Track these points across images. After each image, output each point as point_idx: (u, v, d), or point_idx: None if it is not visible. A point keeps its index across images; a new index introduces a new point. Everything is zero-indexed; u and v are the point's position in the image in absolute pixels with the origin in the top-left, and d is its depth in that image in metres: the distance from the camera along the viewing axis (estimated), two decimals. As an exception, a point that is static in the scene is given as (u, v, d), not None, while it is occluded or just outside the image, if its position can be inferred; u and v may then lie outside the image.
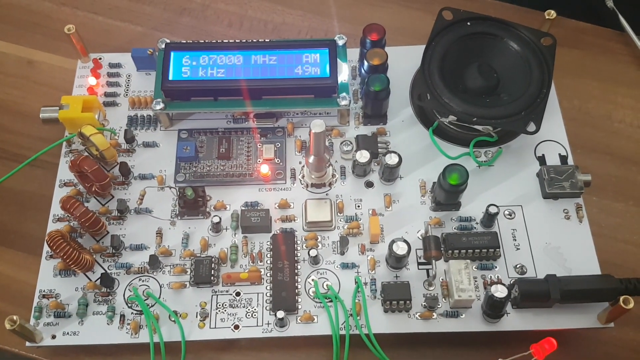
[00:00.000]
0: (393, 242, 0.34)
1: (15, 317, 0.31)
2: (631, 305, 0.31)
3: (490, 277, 0.35)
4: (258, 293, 0.35)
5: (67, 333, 0.33)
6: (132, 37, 0.46)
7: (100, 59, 0.43)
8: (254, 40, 0.39)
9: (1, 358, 0.37)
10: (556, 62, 0.39)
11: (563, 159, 0.39)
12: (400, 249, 0.33)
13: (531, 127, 0.37)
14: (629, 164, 0.42)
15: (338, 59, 0.39)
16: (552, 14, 0.41)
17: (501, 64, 0.40)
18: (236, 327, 0.34)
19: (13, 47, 0.45)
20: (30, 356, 0.35)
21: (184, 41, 0.40)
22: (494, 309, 0.32)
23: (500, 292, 0.32)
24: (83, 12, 0.47)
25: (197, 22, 0.47)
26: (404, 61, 0.42)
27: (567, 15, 0.47)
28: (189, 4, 0.48)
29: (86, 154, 0.38)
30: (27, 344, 0.33)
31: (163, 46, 0.40)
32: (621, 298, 0.31)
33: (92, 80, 0.41)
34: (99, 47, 0.44)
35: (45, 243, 0.35)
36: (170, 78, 0.38)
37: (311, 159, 0.35)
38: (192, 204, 0.36)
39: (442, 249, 0.35)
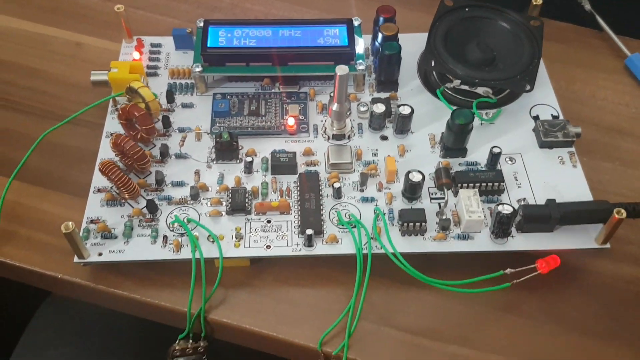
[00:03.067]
0: (409, 172, 0.38)
1: (70, 224, 0.34)
2: (623, 215, 0.35)
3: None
4: (287, 221, 0.38)
5: (113, 251, 0.37)
6: (170, 27, 0.51)
7: (142, 40, 0.48)
8: (282, 19, 0.45)
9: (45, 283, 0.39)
10: (543, 51, 0.45)
11: (555, 118, 0.44)
12: (415, 176, 0.37)
13: (526, 87, 0.42)
14: (613, 133, 0.47)
15: (355, 35, 0.45)
16: (538, 0, 0.47)
17: (496, 41, 0.46)
18: (268, 247, 0.37)
19: (62, 32, 0.51)
20: (74, 280, 0.38)
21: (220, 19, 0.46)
22: (501, 225, 0.36)
23: (506, 209, 0.36)
24: (125, 5, 0.53)
25: (227, 18, 0.54)
26: (411, 45, 0.47)
27: (550, 17, 0.54)
28: (219, 3, 0.54)
29: (132, 109, 0.42)
30: (75, 259, 0.36)
31: (201, 24, 0.45)
32: (614, 210, 0.35)
33: (135, 55, 0.47)
34: (140, 34, 0.49)
35: (97, 170, 0.39)
36: (208, 45, 0.44)
37: (334, 106, 0.40)
38: (227, 147, 0.40)
39: (452, 177, 0.39)
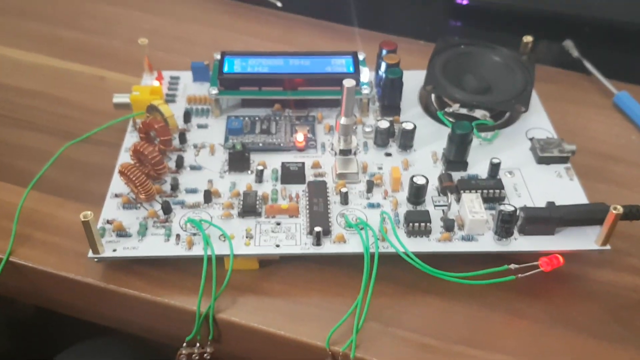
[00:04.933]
0: (413, 177, 0.40)
1: (89, 213, 0.35)
2: (620, 210, 0.36)
3: (498, 215, 0.40)
4: (296, 224, 0.39)
5: (127, 248, 0.38)
6: (188, 66, 0.55)
7: (162, 72, 0.52)
8: (292, 51, 0.49)
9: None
10: (535, 89, 0.49)
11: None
12: (419, 179, 0.39)
13: (521, 108, 0.45)
14: (606, 159, 0.49)
15: (360, 65, 0.48)
16: (529, 38, 0.51)
17: (491, 73, 0.49)
18: (277, 245, 0.38)
19: (87, 68, 0.55)
20: (86, 281, 0.38)
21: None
22: (503, 224, 0.37)
23: (508, 207, 0.37)
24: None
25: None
26: (412, 80, 0.51)
27: (539, 64, 0.58)
28: (234, 47, 0.59)
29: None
30: (90, 254, 0.37)
31: (219, 56, 0.49)
32: (611, 207, 0.36)
33: (155, 83, 0.50)
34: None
35: (115, 178, 0.41)
36: (225, 71, 0.47)
37: (342, 120, 0.43)
38: (239, 158, 0.42)
39: (455, 184, 0.41)
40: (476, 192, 0.40)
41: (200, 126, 0.47)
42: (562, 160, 0.44)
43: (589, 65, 0.58)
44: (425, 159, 0.44)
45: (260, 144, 0.45)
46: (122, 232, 0.38)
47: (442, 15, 0.67)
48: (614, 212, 0.36)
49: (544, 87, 0.54)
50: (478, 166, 0.44)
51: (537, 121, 0.48)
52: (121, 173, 0.39)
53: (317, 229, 0.37)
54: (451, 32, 0.65)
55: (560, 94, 0.55)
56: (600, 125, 0.53)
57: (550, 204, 0.39)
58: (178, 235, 0.38)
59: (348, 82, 0.41)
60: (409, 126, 0.44)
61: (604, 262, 0.41)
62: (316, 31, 0.61)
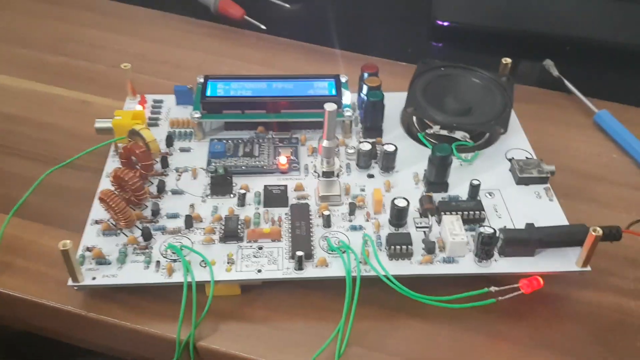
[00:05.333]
0: (394, 199, 0.40)
1: (68, 242, 0.35)
2: (599, 232, 0.36)
3: (479, 236, 0.40)
4: (278, 248, 0.39)
5: (107, 275, 0.37)
6: (172, 90, 0.55)
7: (145, 96, 0.52)
8: (275, 74, 0.50)
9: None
10: (515, 110, 0.49)
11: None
12: (400, 202, 0.39)
13: (500, 129, 0.46)
14: (587, 178, 0.50)
15: (342, 88, 0.49)
16: (508, 60, 0.52)
17: (471, 95, 0.50)
18: (259, 271, 0.38)
19: (71, 92, 0.55)
20: (65, 308, 0.38)
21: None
22: (483, 246, 0.37)
23: (487, 230, 0.37)
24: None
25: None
26: (393, 102, 0.51)
27: (520, 84, 0.59)
28: (219, 71, 0.59)
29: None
30: (69, 282, 0.37)
31: (202, 80, 0.49)
32: (591, 228, 0.37)
33: (138, 107, 0.50)
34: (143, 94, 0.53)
35: (96, 204, 0.40)
36: (207, 94, 0.47)
37: (324, 142, 0.43)
38: (221, 182, 0.42)
39: (435, 206, 0.41)
40: (456, 213, 0.40)
41: (182, 150, 0.47)
42: (541, 180, 0.44)
43: (569, 84, 0.59)
44: (407, 180, 0.45)
45: (243, 167, 0.45)
46: (101, 260, 0.38)
47: (424, 37, 0.68)
48: (593, 234, 0.36)
49: (524, 106, 0.54)
50: (459, 187, 0.44)
51: (516, 142, 0.48)
52: (101, 200, 0.39)
53: (299, 253, 0.37)
54: (433, 54, 0.66)
55: (541, 113, 0.56)
56: (581, 144, 0.53)
57: (530, 226, 0.39)
58: (158, 262, 0.38)
59: (329, 106, 0.41)
60: (390, 148, 0.44)
61: (585, 282, 0.41)
62: (300, 54, 0.62)
